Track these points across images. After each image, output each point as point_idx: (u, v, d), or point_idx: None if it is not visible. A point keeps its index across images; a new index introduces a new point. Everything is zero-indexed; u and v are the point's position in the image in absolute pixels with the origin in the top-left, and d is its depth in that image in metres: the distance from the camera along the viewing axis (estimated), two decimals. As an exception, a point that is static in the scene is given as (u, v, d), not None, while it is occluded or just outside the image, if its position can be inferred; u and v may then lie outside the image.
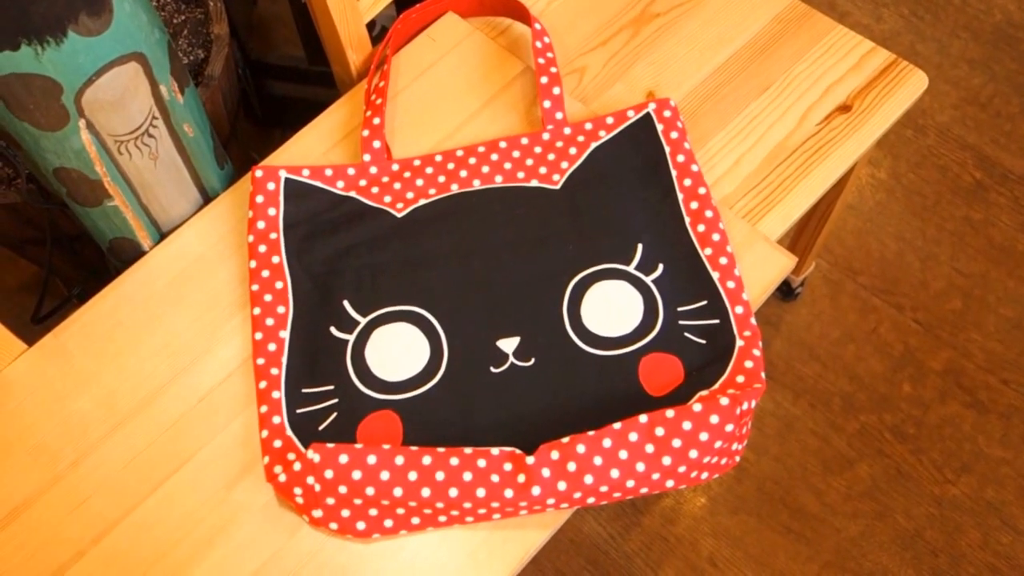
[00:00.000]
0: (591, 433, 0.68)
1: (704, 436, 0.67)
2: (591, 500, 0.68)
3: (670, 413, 0.68)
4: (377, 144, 0.83)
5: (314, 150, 0.86)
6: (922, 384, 1.24)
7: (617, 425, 0.68)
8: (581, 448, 0.67)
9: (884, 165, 1.42)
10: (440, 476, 0.67)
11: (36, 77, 0.60)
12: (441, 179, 0.82)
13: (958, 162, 1.41)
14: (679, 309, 0.75)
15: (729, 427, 0.68)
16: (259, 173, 0.81)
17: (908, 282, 1.31)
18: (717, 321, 0.75)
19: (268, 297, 0.77)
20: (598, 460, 0.67)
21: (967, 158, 1.41)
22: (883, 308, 1.29)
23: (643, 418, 0.68)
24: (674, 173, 0.81)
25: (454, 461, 0.68)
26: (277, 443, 0.71)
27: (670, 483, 0.68)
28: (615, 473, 0.67)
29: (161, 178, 0.76)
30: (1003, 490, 1.17)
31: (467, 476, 0.67)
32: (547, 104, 0.84)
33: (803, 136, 0.86)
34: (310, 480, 0.67)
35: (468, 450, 0.68)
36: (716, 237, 0.78)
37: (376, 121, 0.83)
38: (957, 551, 1.14)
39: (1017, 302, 1.28)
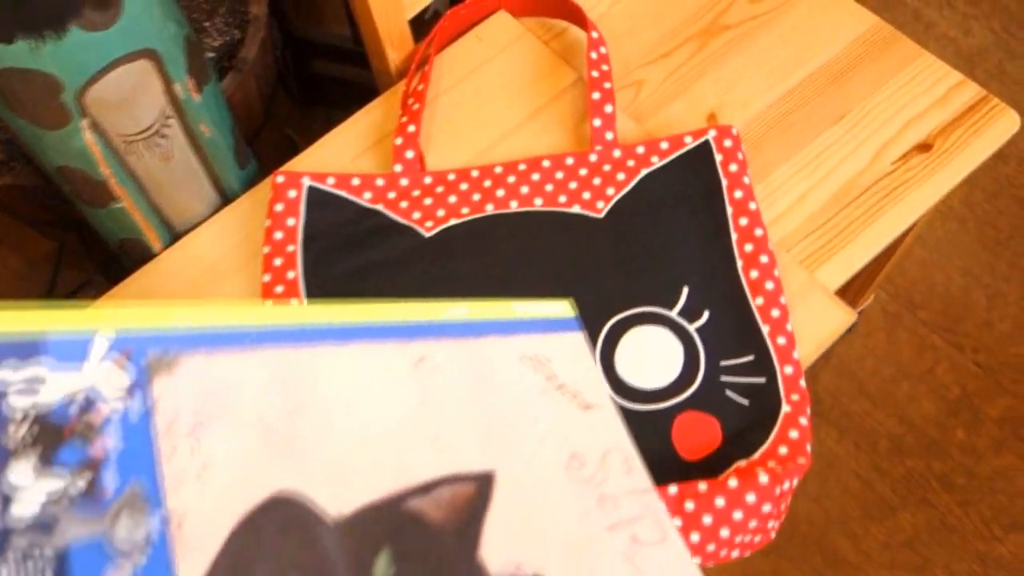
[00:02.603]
0: (614, 501, 0.62)
1: (738, 515, 0.61)
2: None
3: (702, 487, 0.62)
4: (410, 154, 0.77)
5: (342, 155, 0.80)
6: (977, 432, 1.16)
7: (643, 494, 0.62)
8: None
9: (958, 192, 1.32)
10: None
11: (34, 72, 0.55)
12: (476, 197, 0.76)
13: (1037, 193, 1.32)
14: (722, 363, 0.69)
15: (767, 507, 0.62)
16: (280, 179, 0.75)
17: (972, 321, 1.22)
18: (763, 380, 0.68)
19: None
20: (620, 530, 0.61)
21: (1047, 189, 1.32)
22: (942, 347, 1.21)
23: (672, 489, 0.62)
24: (730, 210, 0.74)
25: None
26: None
27: (696, 560, 0.63)
28: (637, 547, 0.61)
29: (175, 179, 0.70)
30: (1055, 554, 1.10)
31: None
32: (597, 123, 0.77)
33: (876, 175, 0.78)
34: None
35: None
36: (770, 286, 0.71)
37: (411, 129, 0.77)
38: (999, 615, 1.07)
39: (1089, 351, 1.20)
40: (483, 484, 0.44)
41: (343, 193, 0.76)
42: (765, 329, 0.70)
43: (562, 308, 0.54)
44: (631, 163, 0.77)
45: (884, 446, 1.16)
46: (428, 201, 0.76)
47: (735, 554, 0.64)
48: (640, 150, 0.77)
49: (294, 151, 0.83)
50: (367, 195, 0.76)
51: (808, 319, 0.72)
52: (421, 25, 0.86)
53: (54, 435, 0.34)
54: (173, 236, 0.77)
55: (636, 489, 0.47)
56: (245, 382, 0.40)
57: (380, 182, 0.76)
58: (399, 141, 0.77)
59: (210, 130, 0.71)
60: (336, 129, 0.81)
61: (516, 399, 0.47)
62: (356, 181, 0.76)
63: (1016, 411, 1.17)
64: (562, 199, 0.75)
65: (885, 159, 0.79)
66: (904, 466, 1.15)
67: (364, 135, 0.81)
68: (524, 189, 0.76)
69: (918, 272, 1.27)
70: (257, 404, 0.39)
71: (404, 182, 0.76)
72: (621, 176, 0.76)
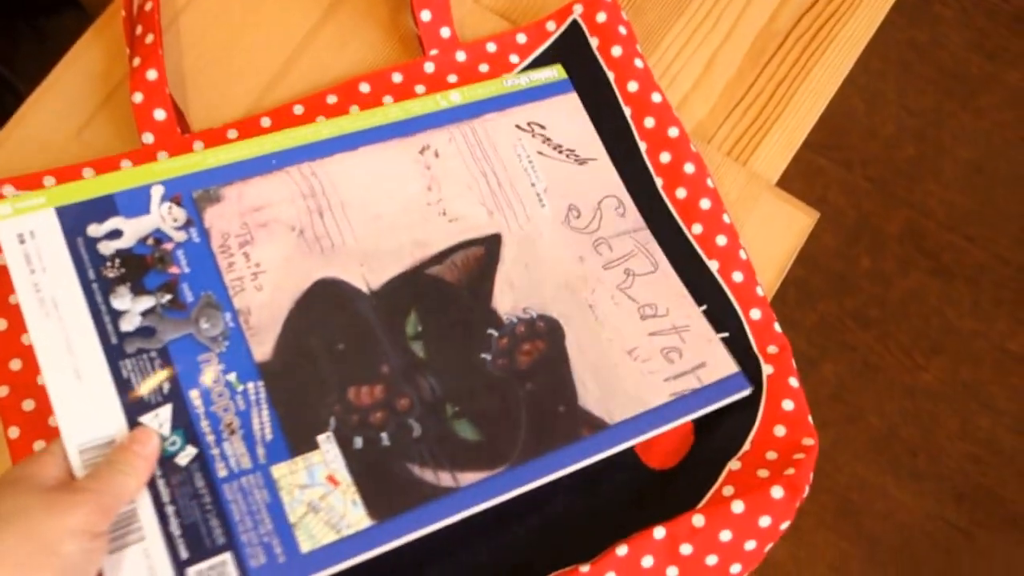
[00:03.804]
0: (584, 569, 0.44)
1: (751, 545, 0.45)
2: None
3: (699, 520, 0.45)
4: (161, 114, 0.51)
5: (57, 131, 0.53)
6: (881, 255, 1.06)
7: (622, 549, 0.45)
8: (570, 592, 0.44)
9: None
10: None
11: None
12: (276, 156, 0.52)
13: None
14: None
15: (784, 524, 0.46)
16: (-32, 199, 0.49)
17: (855, 131, 1.09)
18: (726, 335, 0.51)
19: (15, 365, 0.48)
20: (600, 606, 0.44)
21: (902, -38, 1.17)
22: (831, 168, 1.08)
23: (659, 532, 0.45)
24: (627, 111, 0.54)
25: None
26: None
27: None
28: (626, 620, 0.45)
29: None
30: (977, 367, 1.03)
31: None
32: (426, 15, 0.54)
33: (795, 14, 0.60)
34: None
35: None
36: (706, 204, 0.52)
37: (152, 75, 0.51)
38: (935, 446, 1.01)
39: (974, 140, 1.10)
40: (492, 245, 0.50)
41: (75, 196, 0.50)
42: (713, 266, 0.52)
43: (554, 72, 0.55)
44: (484, 68, 0.54)
45: (792, 295, 1.04)
46: (208, 177, 0.51)
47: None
48: (491, 48, 0.55)
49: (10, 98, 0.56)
50: (113, 190, 0.51)
51: (761, 235, 0.54)
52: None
53: (139, 267, 0.45)
54: None
55: (629, 229, 0.52)
56: (275, 199, 0.48)
57: (127, 165, 0.51)
58: (139, 98, 0.51)
59: None
60: (41, 87, 0.54)
61: (516, 165, 0.52)
62: (90, 173, 0.50)
63: (915, 223, 1.07)
64: (388, 101, 0.53)
65: (801, -10, 0.60)
66: (816, 312, 1.04)
67: (84, 91, 0.54)
68: (343, 132, 0.53)
69: (790, 88, 1.12)
70: (288, 214, 0.48)
71: (164, 157, 0.51)
72: (475, 88, 0.54)
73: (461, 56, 0.54)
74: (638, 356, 0.49)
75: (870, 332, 1.04)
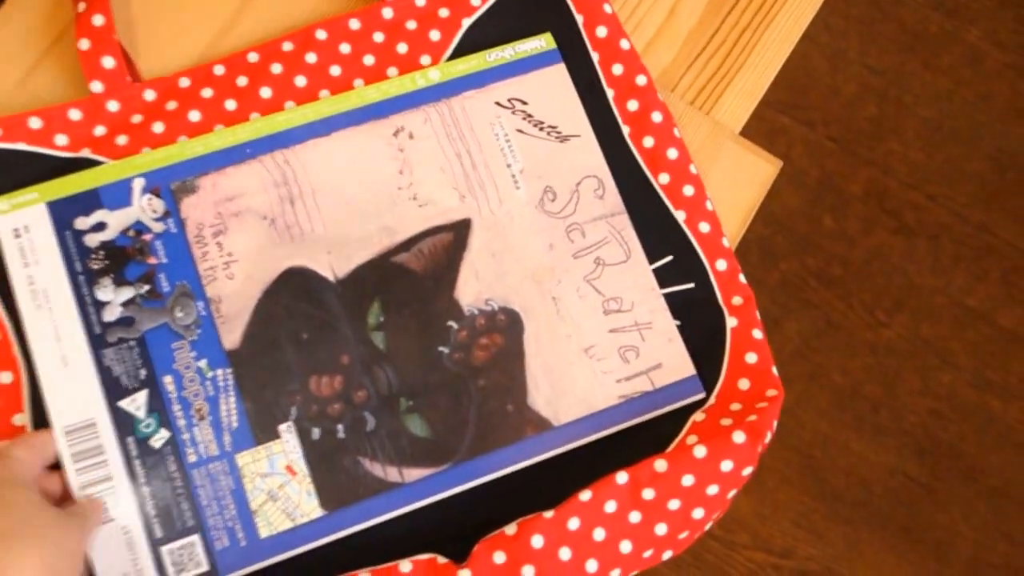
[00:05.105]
0: (549, 514, 0.44)
1: (713, 490, 0.45)
2: (559, 604, 0.46)
3: (661, 465, 0.45)
4: (110, 61, 0.50)
5: (0, 78, 0.51)
6: (844, 215, 1.06)
7: (585, 495, 0.45)
8: (538, 540, 0.44)
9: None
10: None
11: None
12: (230, 106, 0.51)
13: (854, -74, 1.17)
14: (634, 273, 0.51)
15: (747, 470, 0.46)
16: (-95, 148, 0.48)
17: (817, 90, 1.10)
18: (691, 286, 0.51)
19: None
20: (565, 553, 0.44)
21: (864, -80, 1.17)
22: (793, 127, 1.08)
23: (622, 477, 0.45)
24: (595, 56, 0.53)
25: (344, 601, 0.43)
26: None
27: (667, 554, 0.47)
28: (592, 566, 0.45)
29: None
30: (938, 324, 1.04)
31: (371, 621, 0.43)
32: (382, -40, 0.52)
33: (757, -38, 0.59)
34: None
35: (365, 574, 0.44)
36: (673, 154, 0.52)
37: (99, 20, 0.50)
38: (897, 402, 1.02)
39: (935, 98, 1.10)
40: (460, 231, 0.49)
41: (21, 146, 0.48)
42: (680, 216, 0.51)
43: (541, 42, 0.53)
44: (444, 12, 0.53)
45: (755, 254, 1.04)
46: (159, 128, 0.50)
47: (708, 527, 0.48)
48: (452, -11, 0.53)
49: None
50: (61, 139, 0.49)
51: (723, 184, 0.54)
52: None
53: (121, 259, 0.47)
54: None
55: (605, 214, 0.51)
56: (248, 188, 0.49)
57: (76, 114, 0.49)
58: (86, 44, 0.49)
59: None
60: (-20, 39, 0.52)
61: (492, 145, 0.51)
62: (36, 122, 0.49)
63: (878, 182, 1.07)
64: (359, 84, 0.52)
65: (764, -64, 0.59)
66: (778, 271, 1.04)
67: (25, 41, 0.52)
68: (299, 80, 0.51)
69: (754, 47, 1.11)
70: (260, 203, 0.48)
71: (113, 106, 0.50)
72: (435, 35, 0.53)
73: (420, 1, 0.53)
74: (594, 355, 0.49)
75: (832, 290, 1.04)
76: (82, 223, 0.47)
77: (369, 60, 0.52)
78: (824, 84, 1.10)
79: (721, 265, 0.51)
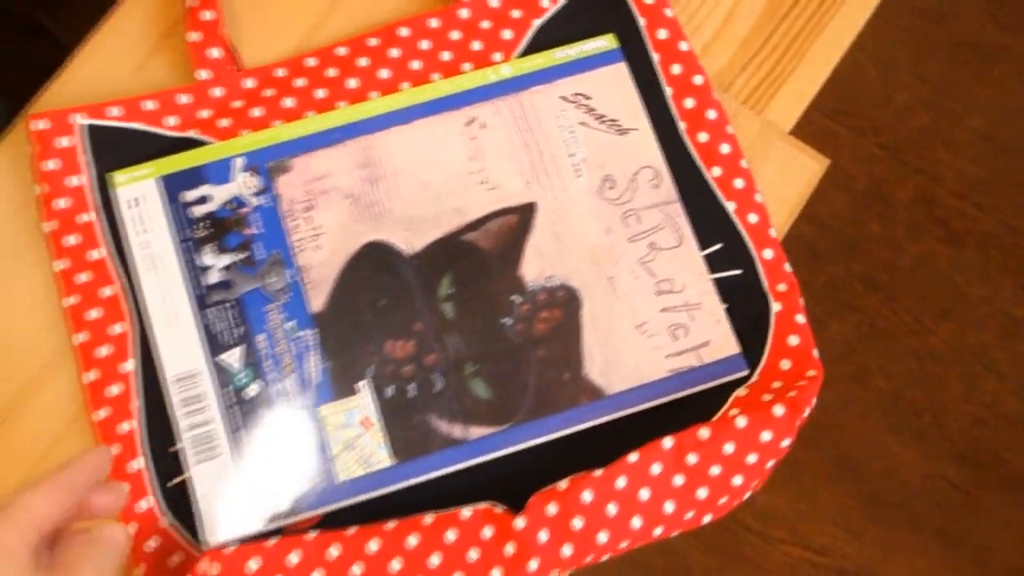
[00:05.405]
0: (598, 472, 0.48)
1: (753, 458, 0.49)
2: (605, 558, 0.50)
3: (704, 433, 0.49)
4: (216, 52, 0.55)
5: (118, 68, 0.57)
6: (892, 221, 1.09)
7: (633, 456, 0.49)
8: (587, 496, 0.48)
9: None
10: (397, 566, 0.47)
11: None
12: (320, 94, 0.56)
13: (911, -59, 1.19)
14: (685, 258, 0.55)
15: (786, 442, 0.50)
16: (41, 124, 0.53)
17: (867, 98, 1.12)
18: (739, 272, 0.54)
19: (95, 313, 0.52)
20: (612, 508, 0.48)
21: (921, -65, 1.19)
22: (842, 133, 1.11)
23: (667, 442, 0.49)
24: (655, 57, 0.57)
25: (413, 541, 0.48)
26: (151, 543, 0.49)
27: (707, 518, 0.51)
28: (637, 522, 0.48)
29: None
30: (984, 332, 1.06)
31: (435, 560, 0.47)
32: (462, -36, 0.57)
33: (811, -27, 0.63)
34: (208, 603, 0.46)
35: (429, 518, 0.48)
36: (726, 149, 0.56)
37: (208, 16, 0.55)
38: (940, 408, 1.04)
39: (986, 109, 1.12)
40: (525, 213, 0.54)
41: (137, 125, 0.54)
42: (730, 207, 0.55)
43: (605, 42, 0.57)
44: (516, 13, 0.58)
45: (802, 257, 1.07)
46: (257, 112, 0.55)
47: (747, 495, 0.52)
48: (525, -7, 0.58)
49: (54, 54, 0.60)
50: (171, 120, 0.54)
51: (773, 179, 0.58)
52: None
53: (222, 228, 0.52)
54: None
55: (660, 202, 0.55)
56: (335, 169, 0.54)
57: (185, 99, 0.55)
58: (196, 36, 0.55)
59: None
60: (101, 30, 0.58)
61: (557, 136, 0.55)
62: (151, 104, 0.54)
63: (926, 190, 1.10)
64: (436, 78, 0.56)
65: (819, -51, 0.63)
66: (825, 274, 1.07)
67: (141, 33, 0.58)
68: (383, 73, 0.56)
69: (808, 57, 1.14)
70: (345, 183, 0.54)
71: (218, 92, 0.55)
72: (507, 34, 0.57)
73: (494, 2, 0.57)
74: (646, 331, 0.53)
75: (878, 295, 1.07)
76: (188, 196, 0.53)
77: (446, 56, 0.57)
78: (875, 93, 1.13)
79: (768, 254, 0.54)
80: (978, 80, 1.13)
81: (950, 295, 1.07)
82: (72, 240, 0.52)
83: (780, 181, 0.58)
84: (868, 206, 1.09)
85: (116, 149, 0.53)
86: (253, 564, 0.46)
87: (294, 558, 0.47)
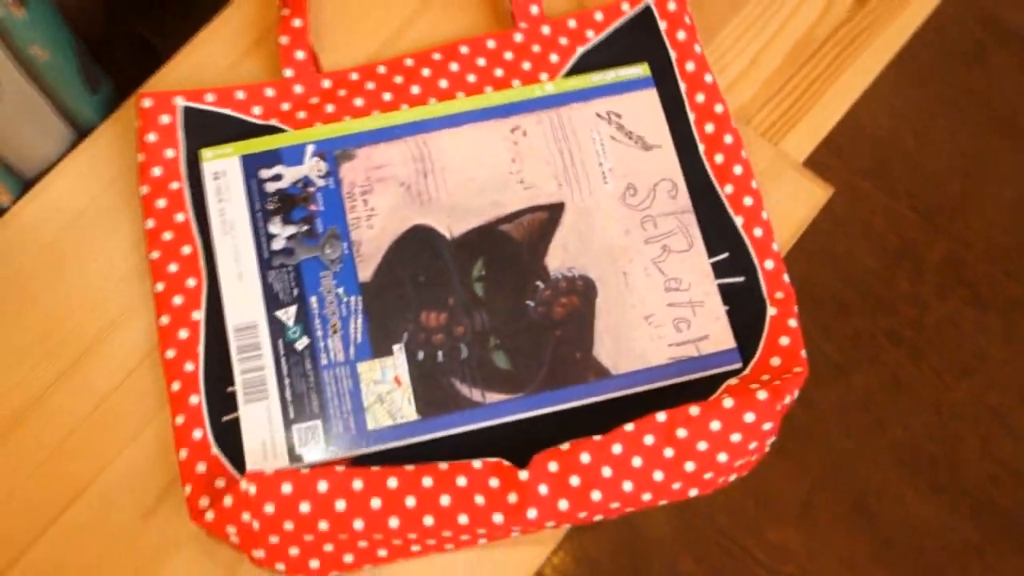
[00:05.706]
0: (597, 438, 0.54)
1: (736, 437, 0.55)
2: (597, 517, 0.55)
3: (694, 410, 0.55)
4: (301, 55, 0.64)
5: (215, 63, 0.66)
6: (920, 281, 1.13)
7: (629, 426, 0.54)
8: (586, 457, 0.54)
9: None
10: (411, 502, 0.53)
11: None
12: (387, 97, 0.64)
13: (957, 20, 1.25)
14: (695, 263, 0.61)
15: (767, 425, 0.55)
16: (147, 102, 0.62)
17: (903, 163, 1.18)
18: (742, 279, 0.60)
19: (173, 267, 0.60)
20: (607, 471, 0.54)
21: (967, 15, 1.26)
22: (876, 195, 1.16)
23: (661, 416, 0.55)
24: (683, 87, 0.64)
25: (427, 481, 0.54)
26: (200, 466, 0.56)
27: (693, 491, 0.56)
28: (628, 486, 0.54)
29: (12, 117, 0.56)
30: (1005, 394, 1.09)
31: (445, 500, 0.54)
32: (519, -5, 0.65)
33: (833, 24, 0.69)
34: (246, 517, 0.53)
35: (444, 465, 0.54)
36: (738, 170, 0.62)
37: (297, 23, 0.64)
38: (957, 463, 1.07)
39: (1020, 181, 1.17)
40: (555, 211, 0.61)
41: (227, 111, 0.63)
42: (738, 221, 0.61)
43: (639, 70, 0.64)
44: (563, 41, 0.65)
45: (829, 307, 1.12)
46: (330, 108, 0.63)
47: (733, 478, 0.57)
48: (572, 24, 0.66)
49: (154, 59, 0.69)
50: (256, 110, 0.63)
51: (781, 202, 0.64)
52: None
53: (290, 203, 0.60)
54: (24, 185, 0.63)
55: (676, 211, 0.61)
56: (393, 160, 0.61)
57: (270, 92, 0.63)
58: (285, 40, 0.64)
59: (45, 52, 0.56)
60: (204, 31, 0.67)
61: (589, 147, 0.62)
62: (241, 94, 0.63)
63: (956, 254, 1.14)
64: (488, 90, 0.64)
65: (841, 5, 0.70)
66: (851, 325, 1.11)
67: (238, 36, 0.67)
68: (443, 83, 0.64)
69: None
70: (400, 173, 0.61)
71: (299, 89, 0.64)
72: (555, 58, 0.65)
73: (546, 30, 0.65)
74: (652, 322, 0.59)
75: (902, 350, 1.11)
76: (264, 173, 0.61)
77: (499, 72, 0.64)
78: (911, 160, 1.18)
79: (769, 265, 0.60)
80: (1013, 152, 1.18)
81: (973, 355, 1.11)
82: (161, 203, 0.61)
83: (787, 203, 0.64)
84: (898, 264, 1.14)
85: (207, 129, 0.62)
86: (286, 487, 0.53)
87: (322, 486, 0.53)
